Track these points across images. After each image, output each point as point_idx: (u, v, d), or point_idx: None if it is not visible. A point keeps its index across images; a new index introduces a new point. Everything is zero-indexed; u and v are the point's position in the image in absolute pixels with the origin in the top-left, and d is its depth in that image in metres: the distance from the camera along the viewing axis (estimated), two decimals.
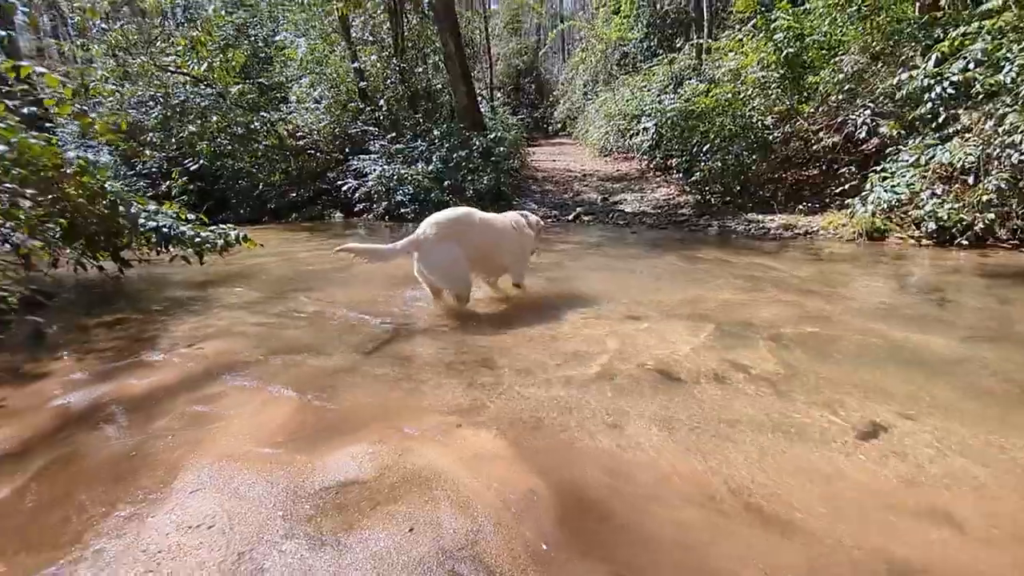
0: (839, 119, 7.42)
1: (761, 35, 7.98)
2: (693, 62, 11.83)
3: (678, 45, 14.05)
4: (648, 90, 12.49)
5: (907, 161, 5.89)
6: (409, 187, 9.41)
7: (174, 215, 4.31)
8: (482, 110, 11.47)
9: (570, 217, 8.95)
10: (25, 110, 3.90)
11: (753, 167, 8.20)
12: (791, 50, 7.43)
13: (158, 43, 11.24)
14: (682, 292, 3.85)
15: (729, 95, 8.18)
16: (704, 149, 8.45)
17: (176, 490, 1.42)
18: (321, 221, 9.77)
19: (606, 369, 2.41)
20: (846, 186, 6.71)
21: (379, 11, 11.74)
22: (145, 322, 3.15)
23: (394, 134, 10.77)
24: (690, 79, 10.91)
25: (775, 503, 1.47)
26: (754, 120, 8.00)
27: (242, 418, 1.87)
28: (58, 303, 3.62)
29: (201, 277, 4.28)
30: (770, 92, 7.96)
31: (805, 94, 7.78)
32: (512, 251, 3.59)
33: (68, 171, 3.64)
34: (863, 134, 6.82)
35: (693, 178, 8.82)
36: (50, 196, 3.85)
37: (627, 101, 12.94)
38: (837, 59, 7.37)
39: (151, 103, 10.40)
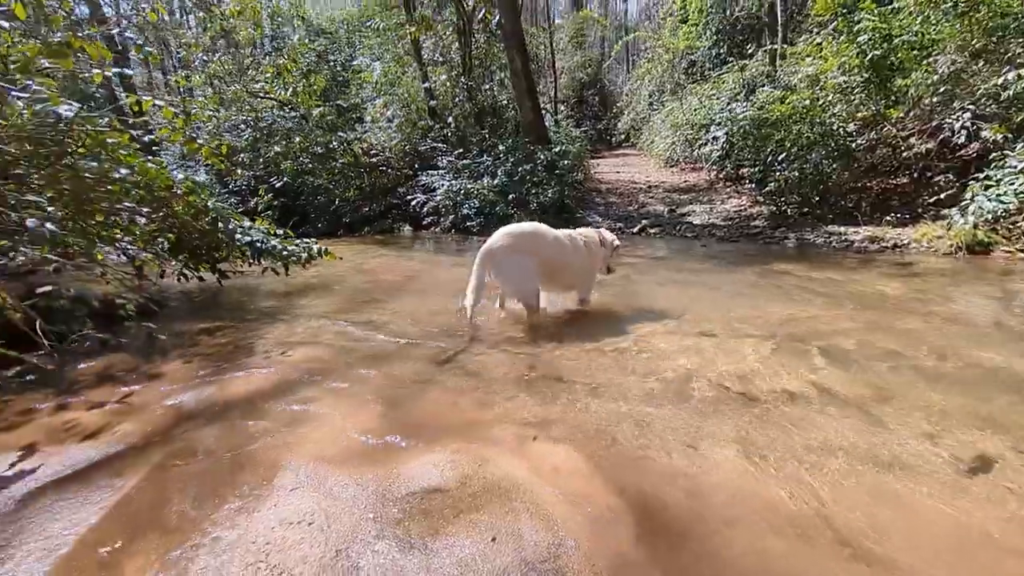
0: (933, 123, 6.86)
1: (843, 38, 7.55)
2: (766, 68, 11.37)
3: (749, 51, 13.57)
4: (717, 98, 12.13)
5: (1016, 167, 5.35)
6: (475, 201, 9.64)
7: (265, 230, 4.67)
8: (546, 124, 11.59)
9: (635, 230, 8.81)
10: (146, 138, 4.38)
11: (834, 176, 7.74)
12: (877, 52, 6.97)
13: (249, 71, 12.28)
14: (757, 308, 3.69)
15: (807, 101, 7.78)
16: (779, 158, 8.08)
17: (277, 487, 1.53)
18: (391, 234, 10.20)
19: (679, 386, 2.35)
20: (942, 195, 6.19)
21: (448, 32, 12.21)
22: (240, 329, 3.42)
23: (461, 150, 11.10)
24: (763, 86, 10.50)
25: (867, 536, 1.38)
26: (835, 127, 7.56)
27: (330, 422, 1.99)
28: (166, 311, 4.01)
29: (286, 287, 4.60)
30: (853, 97, 7.50)
31: (893, 98, 7.26)
32: (581, 269, 3.59)
33: (178, 191, 4.03)
34: (962, 139, 6.26)
35: (767, 188, 8.45)
36: (160, 213, 4.29)
37: (695, 110, 12.62)
38: (931, 59, 6.83)
39: (242, 126, 11.34)
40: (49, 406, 2.21)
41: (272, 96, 11.24)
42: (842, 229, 7.10)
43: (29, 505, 1.48)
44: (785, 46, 11.06)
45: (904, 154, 7.19)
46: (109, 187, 3.82)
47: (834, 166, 7.63)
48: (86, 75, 3.81)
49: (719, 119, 10.33)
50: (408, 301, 4.06)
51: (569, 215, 9.75)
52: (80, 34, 3.72)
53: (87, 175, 3.61)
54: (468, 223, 9.57)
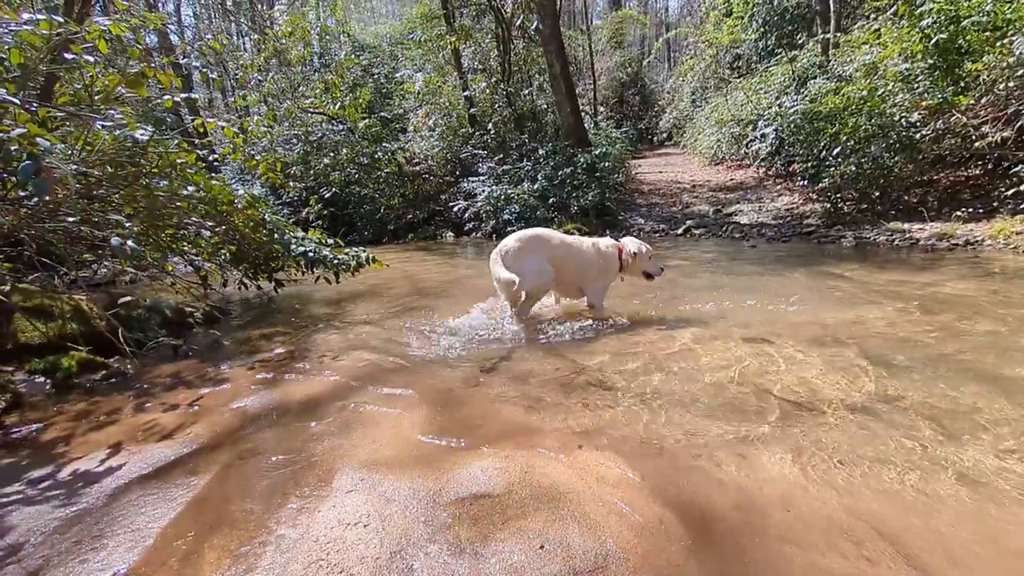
0: (1010, 110, 6.38)
1: (904, 22, 7.14)
2: (818, 59, 10.88)
3: (799, 42, 13.04)
4: (765, 92, 11.73)
5: None
6: (516, 206, 9.72)
7: (316, 240, 4.89)
8: (586, 126, 11.54)
9: (679, 231, 8.64)
10: (210, 157, 4.68)
11: (895, 170, 7.34)
12: (943, 36, 6.55)
13: (300, 88, 12.85)
14: (813, 312, 3.55)
15: (864, 92, 7.40)
16: (834, 153, 7.73)
17: (335, 489, 1.62)
18: (434, 240, 10.42)
19: (729, 395, 2.30)
20: (1021, 187, 5.74)
21: (487, 39, 12.37)
22: (296, 335, 3.60)
23: (501, 155, 11.22)
24: (815, 78, 10.07)
25: (936, 558, 1.31)
26: (896, 118, 7.15)
27: (382, 427, 2.07)
28: (228, 318, 4.26)
29: (337, 294, 4.80)
30: (916, 85, 7.07)
31: (962, 84, 6.80)
32: (589, 274, 3.67)
33: (238, 205, 4.29)
34: None
35: (821, 184, 8.10)
36: (223, 227, 4.57)
37: (741, 106, 12.26)
38: (1006, 41, 6.35)
39: (294, 140, 11.89)
40: (131, 408, 2.41)
41: (321, 111, 11.73)
42: (906, 226, 6.71)
43: (118, 499, 1.62)
44: (839, 34, 10.55)
45: (976, 144, 6.72)
46: (178, 204, 4.11)
47: (896, 159, 7.23)
48: (158, 101, 4.13)
49: (768, 114, 9.99)
50: (452, 306, 4.14)
51: (610, 218, 9.68)
52: (152, 63, 4.03)
53: (159, 193, 3.89)
54: (509, 228, 9.64)
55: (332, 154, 11.23)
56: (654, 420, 2.09)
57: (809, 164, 8.79)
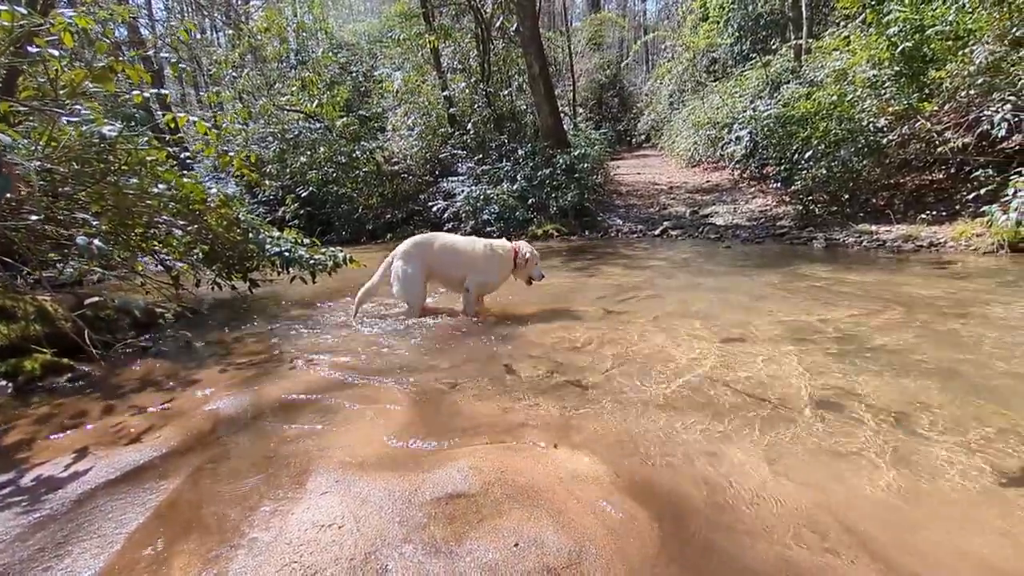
0: (971, 116, 6.63)
1: (872, 30, 7.37)
2: (791, 64, 11.14)
3: (773, 47, 13.33)
4: (740, 96, 11.96)
5: None
6: (495, 206, 9.72)
7: (292, 240, 4.82)
8: (565, 127, 11.60)
9: (656, 232, 8.76)
10: (183, 155, 4.57)
11: (864, 173, 7.57)
12: (908, 44, 6.78)
13: (276, 86, 12.63)
14: (785, 312, 3.64)
15: (834, 97, 7.61)
16: (806, 156, 7.93)
17: (309, 491, 1.60)
18: None
19: (702, 394, 2.35)
20: (981, 191, 5.99)
21: (467, 39, 12.35)
22: (271, 336, 3.54)
23: (480, 156, 11.20)
24: (788, 82, 10.31)
25: (899, 550, 1.36)
26: (864, 123, 7.38)
27: (357, 428, 2.06)
28: (200, 319, 4.17)
29: (313, 295, 4.74)
30: (883, 91, 7.30)
31: (926, 91, 7.05)
32: (476, 269, 3.89)
33: (212, 204, 4.20)
34: (1003, 131, 6.03)
35: (793, 187, 8.31)
36: (195, 226, 4.47)
37: (717, 109, 12.47)
38: (967, 50, 6.60)
39: (270, 139, 11.68)
40: (98, 411, 2.35)
41: (298, 108, 11.55)
42: (873, 228, 6.93)
43: (84, 504, 1.58)
44: (811, 41, 10.83)
45: (939, 149, 6.95)
46: (148, 202, 4.01)
47: (864, 163, 7.45)
48: (127, 96, 4.02)
49: (742, 117, 10.18)
50: (429, 307, 4.13)
51: (589, 218, 9.75)
52: (120, 57, 3.92)
53: (128, 191, 3.79)
54: (488, 228, 9.65)
55: (309, 152, 11.06)
56: (628, 419, 2.12)
57: (782, 167, 9.00)
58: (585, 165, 10.29)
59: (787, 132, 8.41)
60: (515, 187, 10.01)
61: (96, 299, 3.49)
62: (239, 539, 1.40)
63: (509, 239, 4.41)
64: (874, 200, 7.66)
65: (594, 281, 5.15)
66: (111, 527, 1.47)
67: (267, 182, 11.17)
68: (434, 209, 10.51)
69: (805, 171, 7.97)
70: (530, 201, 9.91)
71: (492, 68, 12.03)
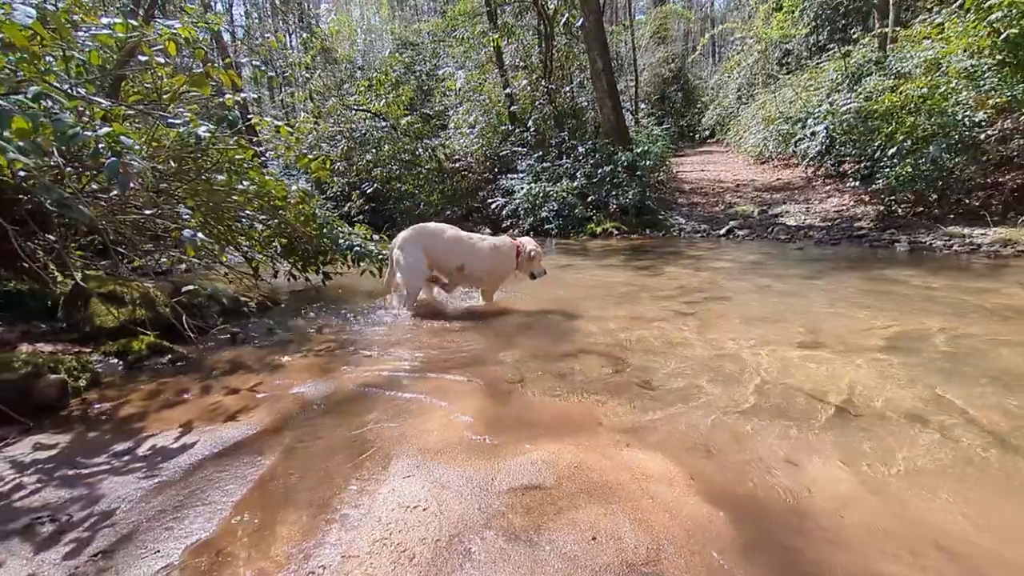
0: None
1: (970, 16, 6.77)
2: (874, 55, 10.41)
3: (854, 37, 12.51)
4: (816, 89, 11.33)
5: None
6: (554, 203, 9.71)
7: (362, 235, 5.04)
8: (627, 123, 11.41)
9: (722, 232, 8.47)
10: (267, 154, 4.89)
11: (956, 171, 6.98)
12: (1014, 31, 6.18)
13: (344, 86, 13.19)
14: (864, 319, 3.44)
15: (924, 89, 7.06)
16: (889, 153, 7.42)
17: (393, 474, 1.69)
18: None
19: (776, 399, 2.28)
20: None
21: (529, 36, 12.38)
22: (344, 326, 3.73)
23: (540, 153, 11.22)
24: (870, 74, 9.66)
25: (1002, 571, 1.28)
26: (958, 117, 6.80)
27: (434, 417, 2.14)
28: (279, 308, 4.44)
29: (380, 285, 4.93)
30: (982, 83, 6.70)
31: None
32: (482, 267, 3.99)
33: (291, 200, 4.46)
34: None
35: (874, 186, 7.80)
36: (275, 220, 4.76)
37: (790, 103, 11.88)
38: None
39: (338, 137, 12.22)
40: (196, 390, 2.57)
41: (365, 108, 12.01)
42: (966, 231, 6.39)
43: (194, 473, 1.74)
44: (897, 29, 10.07)
45: None
46: (235, 197, 4.32)
47: (957, 160, 6.88)
48: (219, 99, 4.34)
49: (818, 112, 9.66)
50: (495, 301, 4.21)
51: (650, 217, 9.56)
52: (211, 63, 4.24)
53: (219, 188, 4.10)
54: (547, 225, 9.67)
55: (374, 150, 11.49)
56: (700, 421, 2.09)
57: (862, 164, 8.47)
58: (647, 162, 10.10)
59: (868, 127, 7.89)
60: (575, 184, 9.97)
61: (191, 287, 3.80)
62: (332, 514, 1.50)
63: (536, 236, 4.50)
64: (968, 200, 7.06)
65: (656, 281, 5.06)
66: (219, 495, 1.62)
67: (334, 179, 11.69)
68: (493, 206, 10.64)
69: (888, 169, 7.45)
70: (590, 199, 9.84)
71: (554, 65, 12.01)
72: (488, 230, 10.75)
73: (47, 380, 2.37)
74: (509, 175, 11.06)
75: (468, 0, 13.01)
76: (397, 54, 13.58)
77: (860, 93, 8.69)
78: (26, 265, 3.59)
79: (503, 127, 12.14)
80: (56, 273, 3.92)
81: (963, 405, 2.17)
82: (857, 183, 8.98)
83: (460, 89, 12.79)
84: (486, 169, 12.13)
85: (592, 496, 1.56)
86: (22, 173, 2.77)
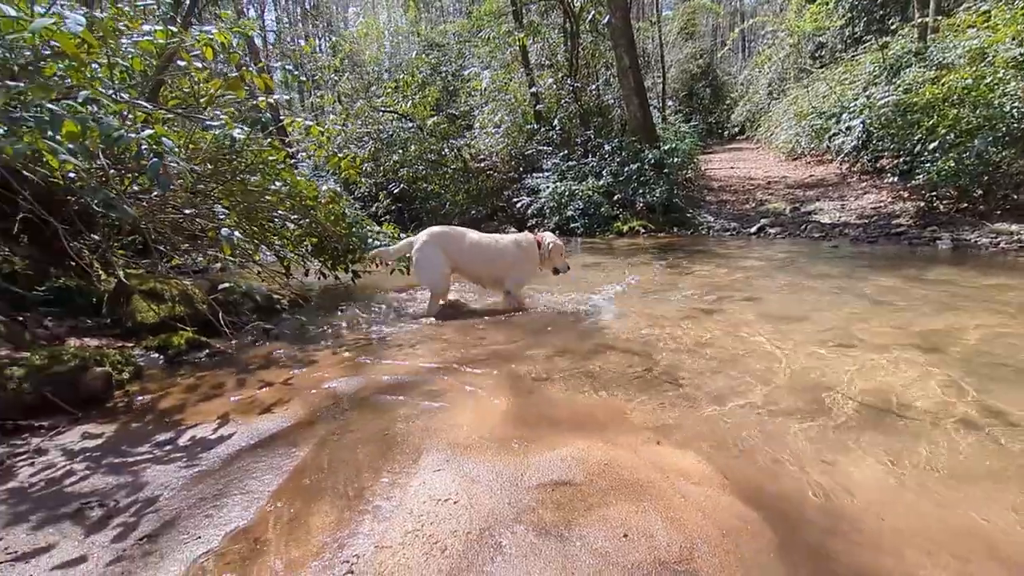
0: None
1: (1019, 3, 6.46)
2: (914, 46, 10.02)
3: (892, 28, 12.07)
4: (852, 83, 10.97)
5: None
6: (579, 202, 9.65)
7: (390, 235, 5.11)
8: (654, 120, 11.26)
9: (752, 230, 8.28)
10: (299, 155, 5.00)
11: (1003, 166, 6.66)
12: None
13: (372, 88, 13.39)
14: (904, 317, 3.32)
15: (968, 80, 6.76)
16: (931, 147, 7.13)
17: (423, 467, 1.71)
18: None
19: (811, 399, 2.22)
20: None
21: (555, 34, 12.34)
22: (374, 322, 3.79)
23: (566, 151, 11.17)
24: (910, 66, 9.30)
25: None
26: (1006, 108, 6.48)
27: (461, 412, 2.16)
28: (310, 305, 4.54)
29: (406, 283, 5.00)
30: None
31: None
32: (506, 265, 3.95)
33: (322, 200, 4.56)
34: None
35: (914, 181, 7.51)
36: (307, 220, 4.87)
37: (823, 97, 11.55)
38: None
39: (365, 138, 12.41)
40: (232, 383, 2.64)
41: (392, 109, 12.17)
42: (1014, 228, 6.10)
43: (232, 464, 1.80)
44: (939, 18, 9.67)
45: None
46: (267, 197, 4.43)
47: (1004, 154, 6.56)
48: (253, 102, 4.48)
49: (854, 106, 9.35)
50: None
51: (678, 215, 9.42)
52: (246, 66, 4.36)
53: (252, 188, 4.21)
54: (572, 224, 9.61)
55: (401, 151, 11.63)
56: (731, 420, 2.05)
57: (901, 159, 8.17)
58: (675, 160, 9.95)
59: (908, 121, 7.61)
60: (601, 183, 9.89)
61: (227, 285, 3.92)
62: (364, 505, 1.52)
63: (559, 235, 4.48)
64: (1015, 196, 6.73)
65: (685, 279, 4.98)
66: (256, 484, 1.66)
67: (362, 179, 11.88)
68: (518, 205, 10.64)
69: (929, 164, 7.16)
70: (616, 197, 9.74)
71: (580, 63, 11.94)
72: (513, 229, 10.77)
73: (93, 373, 2.47)
74: (534, 174, 11.04)
75: (494, 0, 13.05)
76: (423, 55, 13.70)
77: (899, 86, 8.38)
78: (73, 263, 3.76)
79: (528, 126, 12.12)
80: (100, 271, 4.09)
81: (1006, 408, 2.07)
82: (895, 179, 8.66)
83: (486, 89, 12.83)
84: (511, 168, 12.14)
85: (623, 493, 1.55)
86: (71, 175, 2.89)
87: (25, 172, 2.84)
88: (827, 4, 13.87)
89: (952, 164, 6.80)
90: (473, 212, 11.57)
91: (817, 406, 2.15)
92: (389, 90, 12.36)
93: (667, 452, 1.80)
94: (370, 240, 4.77)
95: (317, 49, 19.37)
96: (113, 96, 3.13)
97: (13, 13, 2.48)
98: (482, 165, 12.29)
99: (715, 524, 1.41)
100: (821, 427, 1.98)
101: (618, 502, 1.50)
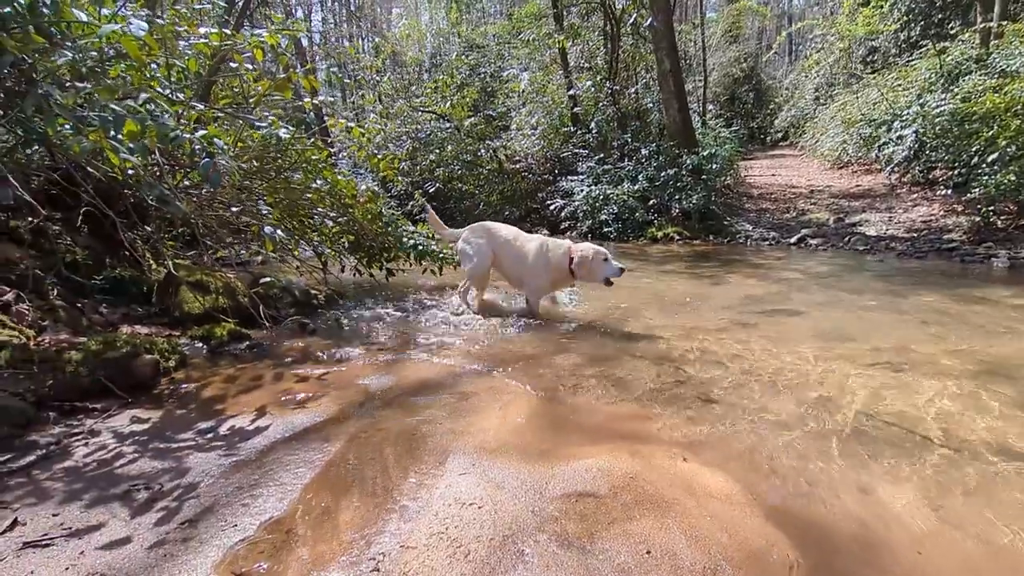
0: None
1: None
2: (975, 52, 9.52)
3: (951, 32, 11.49)
4: (905, 90, 10.51)
5: None
6: (614, 206, 9.57)
7: (425, 235, 5.19)
8: (693, 125, 11.06)
9: (792, 240, 8.03)
10: (341, 154, 5.14)
11: None
12: None
13: (412, 88, 13.60)
14: (953, 340, 3.17)
15: None
16: (989, 159, 6.78)
17: (449, 470, 1.74)
18: None
19: (847, 422, 2.15)
20: None
21: (595, 37, 12.26)
22: (406, 321, 3.88)
23: (602, 155, 11.08)
24: (969, 73, 8.84)
25: None
26: None
27: (489, 417, 2.18)
28: (345, 301, 4.66)
29: (438, 283, 5.07)
30: None
31: None
32: (526, 268, 3.95)
33: (361, 199, 4.67)
34: None
35: (970, 195, 7.14)
36: (345, 217, 5.00)
37: (874, 104, 11.10)
38: None
39: (404, 137, 12.62)
40: (270, 376, 2.74)
41: (431, 109, 12.33)
42: None
43: (267, 455, 1.87)
44: (1004, 23, 9.15)
45: None
46: (308, 195, 4.56)
47: None
48: (299, 102, 4.63)
49: (907, 114, 8.96)
50: (548, 304, 4.21)
51: (715, 222, 9.23)
52: (292, 68, 4.51)
53: (295, 186, 4.35)
54: (605, 228, 9.54)
55: (438, 151, 11.78)
56: (762, 439, 2.00)
57: (955, 171, 7.77)
58: (713, 165, 9.75)
59: (965, 131, 7.24)
60: (636, 187, 9.77)
61: (268, 279, 4.06)
62: (392, 504, 1.56)
63: (606, 240, 4.43)
64: None
65: (720, 290, 4.88)
66: (289, 477, 1.73)
67: (399, 178, 12.09)
68: (552, 208, 10.63)
69: (987, 176, 6.80)
70: (651, 202, 9.62)
71: (619, 66, 11.83)
72: (546, 231, 10.76)
73: (143, 359, 2.61)
74: (569, 177, 11.00)
75: (535, 2, 13.06)
76: (463, 57, 13.84)
77: (957, 94, 7.99)
78: (128, 253, 3.97)
79: (565, 128, 12.09)
80: (151, 261, 4.30)
81: None
82: (949, 191, 8.25)
83: (524, 91, 12.86)
84: (546, 171, 12.14)
85: (647, 509, 1.54)
86: (130, 171, 3.06)
87: (88, 168, 3.02)
88: (882, 7, 13.31)
89: (1013, 177, 6.44)
90: (507, 213, 11.62)
91: (855, 430, 2.08)
92: (428, 90, 12.54)
93: (694, 468, 1.77)
94: (405, 239, 4.85)
95: (360, 50, 19.82)
96: (169, 96, 3.29)
97: (85, 18, 2.64)
98: (517, 166, 12.32)
99: (741, 546, 1.39)
100: (858, 452, 1.91)
101: (642, 517, 1.50)
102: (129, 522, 1.50)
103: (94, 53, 3.02)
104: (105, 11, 2.93)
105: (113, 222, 3.14)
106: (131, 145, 2.45)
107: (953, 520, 1.54)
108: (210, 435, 2.06)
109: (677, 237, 8.84)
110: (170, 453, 1.90)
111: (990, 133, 6.82)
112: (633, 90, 11.91)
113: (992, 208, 6.91)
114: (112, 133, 2.39)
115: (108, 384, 2.42)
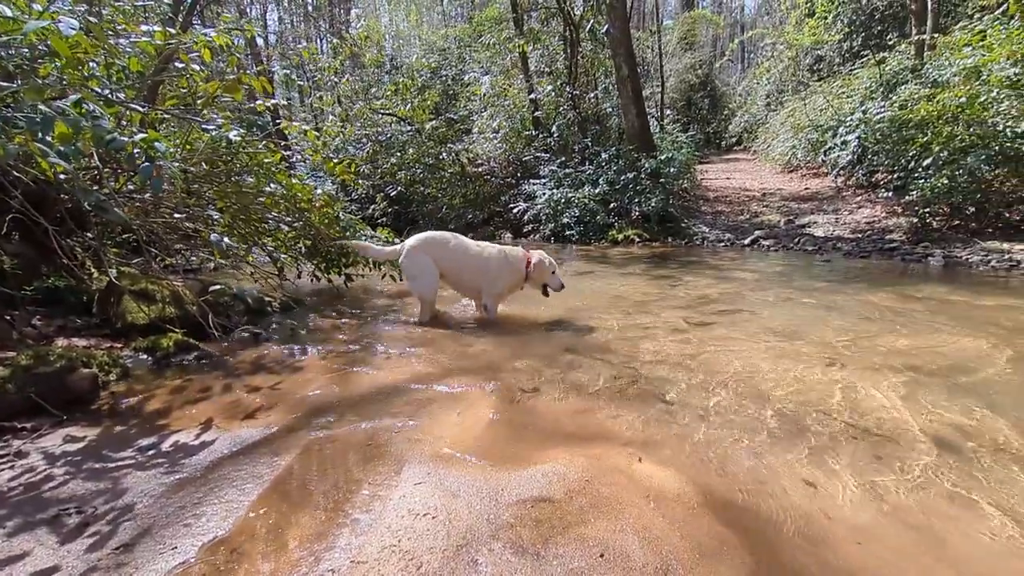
0: None
1: (1015, 23, 6.54)
2: (911, 62, 10.13)
3: (889, 43, 12.19)
4: (848, 97, 11.07)
5: None
6: (575, 209, 9.68)
7: (384, 239, 5.11)
8: (651, 130, 11.32)
9: (746, 241, 8.32)
10: (294, 158, 5.01)
11: (996, 184, 6.73)
12: None
13: (372, 90, 13.40)
14: (892, 337, 3.34)
15: (963, 99, 6.83)
16: (924, 164, 7.20)
17: (404, 480, 1.71)
18: (492, 240, 10.55)
19: (796, 419, 2.23)
20: None
21: (555, 42, 12.39)
22: (364, 327, 3.79)
23: (563, 158, 11.21)
24: (906, 82, 9.40)
25: None
26: (1000, 127, 6.55)
27: (446, 424, 2.16)
28: (301, 308, 4.53)
29: (399, 288, 5.00)
30: None
31: None
32: (488, 276, 3.87)
33: (316, 204, 4.56)
34: None
35: (908, 197, 7.56)
36: (300, 222, 4.87)
37: (821, 110, 11.63)
38: None
39: (364, 140, 12.42)
40: (219, 387, 2.63)
41: (391, 112, 12.19)
42: (1006, 246, 6.15)
43: (212, 472, 1.79)
44: (936, 36, 9.77)
45: None
46: (262, 200, 4.42)
47: (997, 172, 6.63)
48: (252, 104, 4.48)
49: (850, 120, 9.42)
50: (514, 307, 4.21)
51: (673, 225, 9.46)
52: (244, 69, 4.38)
53: (247, 190, 4.21)
54: (567, 232, 9.65)
55: (399, 154, 11.65)
56: (715, 438, 2.05)
57: (895, 175, 8.24)
58: (671, 169, 9.99)
59: (903, 137, 7.68)
60: (597, 191, 9.92)
61: (218, 287, 3.90)
62: (343, 518, 1.52)
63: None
64: (1007, 214, 6.79)
65: (677, 291, 5.00)
66: (235, 494, 1.66)
67: (359, 181, 11.89)
68: (514, 211, 10.67)
69: (923, 180, 7.23)
70: (612, 205, 9.78)
71: (579, 70, 12.00)
72: (509, 235, 10.79)
73: (80, 374, 2.46)
74: (531, 180, 11.07)
75: (495, 6, 13.10)
76: (424, 59, 13.75)
77: (895, 101, 8.47)
78: (64, 262, 3.74)
79: (527, 132, 12.17)
80: (93, 270, 4.07)
81: (993, 434, 2.08)
82: (890, 194, 8.73)
83: (485, 94, 12.87)
84: (509, 174, 12.18)
85: (601, 511, 1.55)
86: (62, 176, 2.89)
87: (16, 172, 2.83)
88: (826, 18, 13.99)
89: (945, 181, 6.86)
90: (470, 216, 11.59)
91: (803, 426, 2.16)
92: (389, 93, 12.38)
93: (648, 469, 1.80)
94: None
95: (319, 51, 19.41)
96: (108, 97, 3.13)
97: (9, 13, 2.48)
98: (480, 170, 12.31)
99: (692, 545, 1.42)
100: (806, 448, 1.99)
101: (596, 520, 1.51)
102: (57, 549, 1.41)
103: (25, 51, 2.85)
104: (36, 6, 2.77)
105: (45, 229, 2.95)
106: (62, 148, 2.31)
107: (892, 513, 1.61)
108: (151, 452, 1.96)
109: (637, 239, 9.02)
110: (106, 473, 1.80)
111: (925, 139, 7.25)
112: (593, 95, 12.10)
113: (928, 210, 7.34)
114: (40, 135, 2.25)
115: (39, 401, 2.27)
